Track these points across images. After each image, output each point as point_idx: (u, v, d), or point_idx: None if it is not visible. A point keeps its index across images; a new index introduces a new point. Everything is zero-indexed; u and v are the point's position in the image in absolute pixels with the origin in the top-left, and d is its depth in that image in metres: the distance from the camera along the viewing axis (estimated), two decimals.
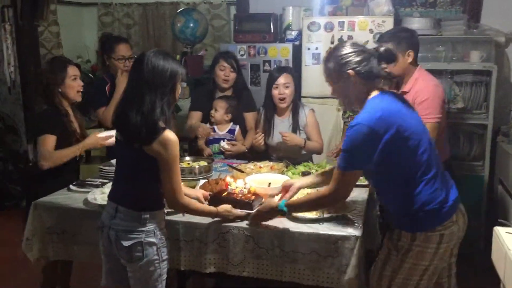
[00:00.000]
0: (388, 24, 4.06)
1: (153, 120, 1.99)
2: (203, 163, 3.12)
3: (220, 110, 3.49)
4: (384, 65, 2.06)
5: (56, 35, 5.87)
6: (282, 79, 3.37)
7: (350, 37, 4.15)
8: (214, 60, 3.67)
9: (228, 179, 2.66)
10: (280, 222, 2.32)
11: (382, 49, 2.06)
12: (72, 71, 2.95)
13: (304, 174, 2.83)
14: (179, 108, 4.52)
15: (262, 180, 2.80)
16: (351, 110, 2.38)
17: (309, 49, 4.31)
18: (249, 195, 2.47)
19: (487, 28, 4.17)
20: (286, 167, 3.07)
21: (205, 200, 2.47)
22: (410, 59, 2.90)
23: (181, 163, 3.03)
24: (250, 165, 3.14)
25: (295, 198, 2.38)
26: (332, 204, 2.29)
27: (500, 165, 4.04)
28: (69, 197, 2.73)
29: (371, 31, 4.07)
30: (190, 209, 2.23)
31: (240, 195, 2.47)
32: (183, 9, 4.70)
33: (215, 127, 3.54)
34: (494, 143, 4.10)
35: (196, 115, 3.67)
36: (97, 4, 6.20)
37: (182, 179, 2.51)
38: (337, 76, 2.07)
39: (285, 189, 2.46)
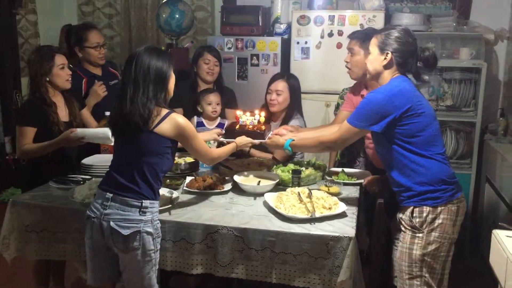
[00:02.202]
0: (379, 19, 4.00)
1: (150, 108, 2.11)
2: (190, 159, 3.04)
3: (220, 104, 3.39)
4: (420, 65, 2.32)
5: (33, 24, 5.70)
6: (275, 85, 3.28)
7: (340, 32, 4.09)
8: (197, 54, 3.59)
9: (238, 112, 2.92)
10: (270, 222, 2.27)
11: (426, 53, 2.30)
12: (60, 60, 2.90)
13: (295, 172, 2.74)
14: None
15: (250, 178, 2.75)
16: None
17: (298, 43, 4.22)
18: (259, 126, 2.80)
19: (476, 25, 4.14)
20: (275, 165, 2.99)
21: (219, 135, 2.79)
22: None
23: None
24: (238, 162, 3.06)
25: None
26: (332, 150, 2.87)
27: (487, 164, 4.03)
28: (49, 194, 2.63)
29: (361, 26, 3.98)
30: (222, 157, 2.53)
31: (251, 126, 2.79)
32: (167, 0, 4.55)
33: (203, 121, 3.43)
34: (482, 141, 4.08)
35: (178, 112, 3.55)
36: None
37: (167, 176, 2.73)
38: (378, 48, 2.27)
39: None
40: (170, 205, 2.40)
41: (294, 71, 4.01)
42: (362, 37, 2.81)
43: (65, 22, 6.04)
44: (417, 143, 2.21)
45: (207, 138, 2.78)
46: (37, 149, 2.81)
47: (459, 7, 4.28)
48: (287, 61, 4.28)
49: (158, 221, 2.21)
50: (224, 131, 2.86)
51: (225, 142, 2.74)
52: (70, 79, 2.97)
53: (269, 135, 2.80)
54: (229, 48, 4.31)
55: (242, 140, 2.67)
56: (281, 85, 3.27)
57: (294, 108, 3.32)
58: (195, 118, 3.44)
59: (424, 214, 2.22)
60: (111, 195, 2.15)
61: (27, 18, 5.64)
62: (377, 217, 2.58)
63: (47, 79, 2.87)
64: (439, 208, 2.21)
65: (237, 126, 2.79)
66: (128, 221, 2.12)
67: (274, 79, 3.35)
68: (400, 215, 2.32)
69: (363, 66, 2.76)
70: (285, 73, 3.48)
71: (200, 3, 5.40)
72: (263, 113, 2.88)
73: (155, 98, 2.11)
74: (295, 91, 3.33)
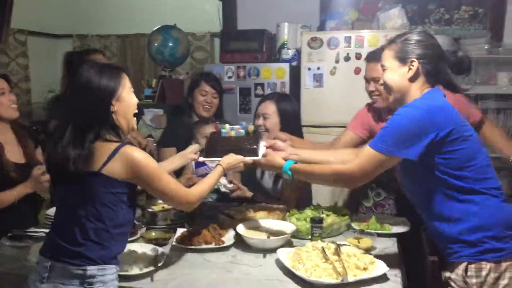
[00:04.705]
0: None
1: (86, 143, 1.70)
2: None
3: None
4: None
5: (24, 68, 5.66)
6: (262, 108, 2.85)
7: (358, 55, 3.75)
8: (194, 83, 3.22)
9: (219, 124, 2.44)
10: None
11: (458, 54, 1.90)
12: None
13: (315, 221, 2.26)
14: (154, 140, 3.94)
15: (258, 229, 2.34)
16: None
17: (309, 69, 3.88)
18: (249, 138, 2.30)
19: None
20: (288, 211, 2.54)
21: (196, 153, 2.31)
22: None
23: (153, 207, 2.64)
24: (242, 209, 2.60)
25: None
26: (346, 185, 2.13)
27: None
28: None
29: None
30: (204, 193, 2.00)
31: (237, 138, 2.29)
32: (160, 26, 4.23)
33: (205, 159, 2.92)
34: None
35: (169, 154, 3.09)
36: (72, 36, 6.12)
37: (154, 228, 2.42)
38: (398, 60, 1.89)
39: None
40: (152, 268, 1.96)
41: (305, 101, 3.66)
42: None
43: (59, 66, 6.06)
44: (468, 177, 1.79)
45: (180, 163, 2.31)
46: None
47: (491, 29, 4.00)
48: (297, 90, 3.95)
49: None
50: (202, 149, 2.35)
51: (206, 162, 2.30)
52: (15, 106, 2.58)
53: (263, 150, 2.25)
54: (230, 77, 4.02)
55: (230, 159, 2.14)
56: (269, 108, 2.82)
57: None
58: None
59: (484, 273, 1.76)
60: (50, 262, 1.71)
61: (17, 62, 5.58)
62: (430, 280, 2.00)
63: None
64: (504, 264, 1.75)
65: (219, 141, 2.28)
66: None
67: (262, 100, 2.93)
68: (448, 274, 1.84)
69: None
70: (277, 94, 3.06)
71: (200, 43, 5.37)
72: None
73: (93, 130, 1.70)
74: (287, 116, 2.83)
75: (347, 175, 1.91)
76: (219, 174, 2.10)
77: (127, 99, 1.76)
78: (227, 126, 2.35)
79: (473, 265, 1.77)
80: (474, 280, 1.77)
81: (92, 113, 1.70)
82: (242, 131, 2.31)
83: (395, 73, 1.89)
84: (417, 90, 1.88)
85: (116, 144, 1.71)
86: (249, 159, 2.18)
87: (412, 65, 1.85)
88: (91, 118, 1.70)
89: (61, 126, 1.73)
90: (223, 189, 2.76)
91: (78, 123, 1.69)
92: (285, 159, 2.17)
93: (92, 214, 1.71)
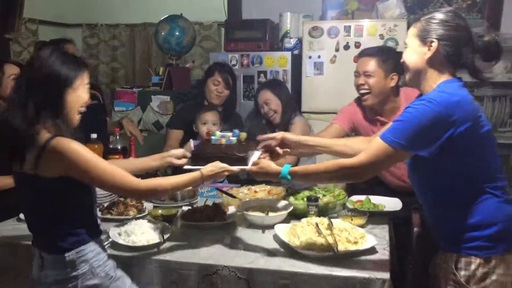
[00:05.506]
0: (401, 29, 3.68)
1: (29, 131, 1.62)
2: None
3: (218, 124, 3.04)
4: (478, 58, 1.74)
5: None
6: (261, 98, 3.22)
7: (357, 44, 3.77)
8: (208, 72, 3.33)
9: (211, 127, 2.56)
10: (281, 260, 1.91)
11: (486, 38, 1.72)
12: (10, 69, 2.65)
13: (310, 199, 2.32)
14: (161, 125, 4.03)
15: (258, 207, 2.40)
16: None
17: (310, 57, 3.95)
18: (239, 146, 2.17)
19: (508, 37, 3.77)
20: (287, 191, 2.61)
21: (181, 159, 2.18)
22: (392, 84, 2.55)
23: None
24: (244, 189, 2.69)
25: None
26: (354, 179, 1.92)
27: None
28: (17, 228, 2.27)
29: (381, 36, 3.70)
30: (161, 187, 1.85)
31: (227, 146, 2.15)
32: (167, 15, 4.27)
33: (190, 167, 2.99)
34: None
35: (175, 135, 3.23)
36: (81, 25, 6.08)
37: (161, 206, 2.46)
38: (419, 39, 1.76)
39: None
40: (159, 241, 2.03)
41: (306, 89, 3.74)
42: (380, 55, 2.51)
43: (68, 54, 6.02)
44: (480, 178, 1.71)
45: (156, 164, 2.21)
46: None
47: (488, 18, 4.02)
48: (298, 78, 4.00)
49: (107, 264, 1.79)
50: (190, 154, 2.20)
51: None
52: None
53: (255, 158, 2.12)
54: (234, 65, 4.04)
55: (213, 167, 1.93)
56: (266, 95, 3.19)
57: (289, 111, 3.20)
58: (192, 142, 3.00)
59: (472, 267, 1.70)
60: (40, 252, 1.76)
61: (28, 50, 5.51)
62: (415, 254, 2.08)
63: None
64: (494, 261, 1.69)
65: (208, 148, 2.14)
66: (63, 282, 1.71)
67: (258, 92, 3.29)
68: (438, 261, 1.81)
69: (383, 90, 2.49)
70: (266, 83, 3.51)
71: (207, 32, 5.35)
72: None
73: (43, 112, 1.62)
74: (282, 94, 3.22)
75: (356, 168, 1.75)
76: (194, 179, 1.89)
77: (79, 92, 1.69)
78: (218, 133, 2.25)
79: (463, 258, 1.72)
80: (462, 273, 1.71)
81: (46, 95, 1.63)
82: (234, 138, 2.20)
83: (414, 52, 1.77)
84: (434, 76, 1.74)
85: (48, 136, 1.61)
86: (235, 168, 2.00)
87: (432, 46, 1.71)
88: (44, 100, 1.63)
89: (13, 105, 1.66)
90: None
91: (31, 102, 1.61)
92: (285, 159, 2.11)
93: (48, 214, 1.70)
